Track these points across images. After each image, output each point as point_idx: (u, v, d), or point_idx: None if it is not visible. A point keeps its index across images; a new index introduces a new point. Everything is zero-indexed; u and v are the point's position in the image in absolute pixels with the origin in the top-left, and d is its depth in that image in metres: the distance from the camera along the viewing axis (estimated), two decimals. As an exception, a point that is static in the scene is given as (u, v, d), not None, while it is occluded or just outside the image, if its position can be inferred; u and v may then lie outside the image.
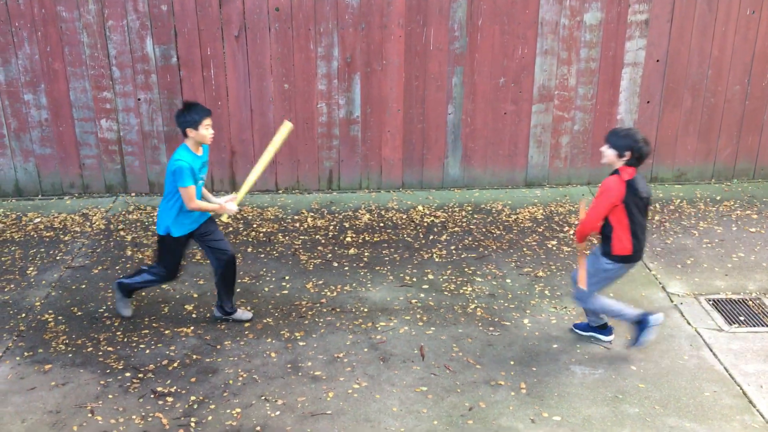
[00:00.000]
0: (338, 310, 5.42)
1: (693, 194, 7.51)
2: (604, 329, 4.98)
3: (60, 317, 5.35)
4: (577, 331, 5.09)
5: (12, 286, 5.78)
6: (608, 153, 4.53)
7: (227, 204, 4.96)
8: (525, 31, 7.14)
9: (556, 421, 4.27)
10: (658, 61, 7.33)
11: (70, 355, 4.90)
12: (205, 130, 4.74)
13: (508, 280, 5.84)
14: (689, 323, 5.23)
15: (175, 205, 4.86)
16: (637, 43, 7.25)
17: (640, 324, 4.68)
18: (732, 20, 7.22)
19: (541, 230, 6.72)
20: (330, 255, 6.23)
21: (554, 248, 6.36)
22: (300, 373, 4.71)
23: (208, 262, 6.12)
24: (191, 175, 4.75)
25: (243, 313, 5.30)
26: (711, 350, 4.93)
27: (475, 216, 7.03)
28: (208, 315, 5.36)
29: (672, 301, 5.52)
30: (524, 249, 6.36)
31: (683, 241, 6.49)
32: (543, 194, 7.52)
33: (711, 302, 5.50)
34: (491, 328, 5.18)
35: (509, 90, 7.34)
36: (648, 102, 7.48)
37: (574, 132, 7.55)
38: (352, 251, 6.31)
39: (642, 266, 6.04)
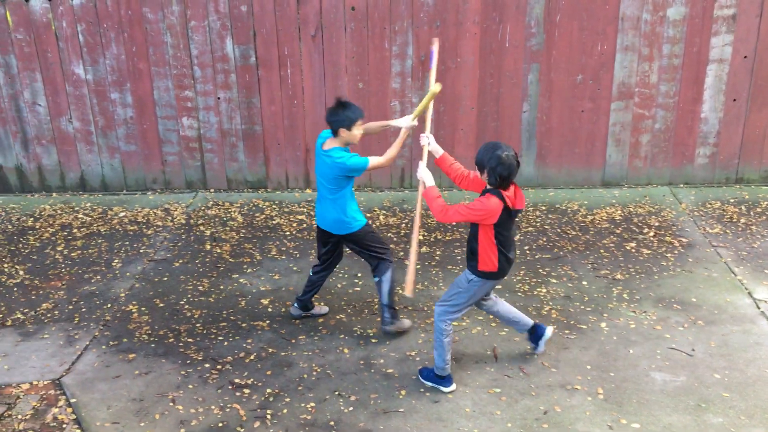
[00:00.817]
0: (410, 308, 5.42)
1: (782, 196, 7.17)
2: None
3: (143, 308, 5.55)
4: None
5: (98, 277, 6.04)
6: None
7: (402, 122, 4.82)
8: (605, 26, 6.96)
9: (635, 428, 4.16)
10: (745, 57, 7.02)
11: (153, 346, 5.07)
12: (358, 131, 4.65)
13: (584, 283, 5.72)
14: (778, 331, 5.00)
15: (348, 196, 4.79)
16: (723, 38, 6.97)
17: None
18: (828, 13, 6.85)
19: (619, 231, 6.54)
20: (402, 253, 6.24)
21: (633, 250, 6.19)
22: (372, 370, 4.74)
23: (284, 257, 6.23)
24: (354, 156, 4.67)
25: (321, 308, 5.41)
26: (801, 360, 4.69)
27: (550, 216, 6.91)
28: (284, 310, 5.46)
29: (759, 308, 5.28)
30: (601, 250, 6.21)
31: (771, 246, 6.20)
32: (621, 194, 7.32)
33: (801, 310, 5.24)
34: (567, 331, 5.08)
35: (587, 87, 7.18)
36: (734, 100, 7.18)
37: (654, 130, 7.32)
38: (423, 249, 6.31)
39: (727, 271, 5.81)
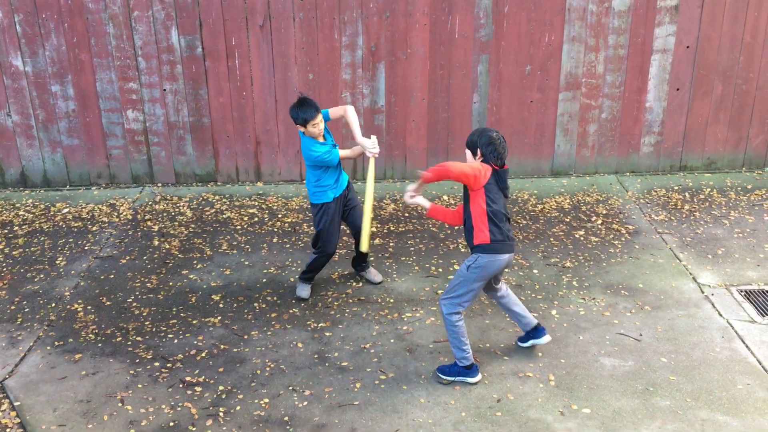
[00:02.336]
0: (364, 300, 5.41)
1: (723, 183, 7.38)
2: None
3: (89, 307, 5.40)
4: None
5: (42, 276, 5.85)
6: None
7: (364, 142, 4.99)
8: (552, 17, 7.04)
9: (585, 413, 4.23)
10: (688, 47, 7.19)
11: (100, 345, 4.94)
12: (313, 128, 4.92)
13: (534, 271, 5.79)
14: (721, 315, 5.15)
15: (318, 178, 5.10)
16: (666, 29, 7.12)
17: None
18: (765, 5, 7.05)
19: (568, 220, 6.64)
20: (355, 245, 6.20)
21: (582, 238, 6.29)
22: (327, 364, 4.71)
23: (235, 252, 6.14)
24: (330, 152, 4.99)
25: (375, 275, 5.64)
26: (743, 342, 4.84)
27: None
28: (235, 305, 5.38)
29: (703, 292, 5.44)
30: (551, 239, 6.29)
31: (714, 231, 6.38)
32: (570, 183, 7.43)
33: (743, 293, 5.41)
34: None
35: (535, 78, 7.25)
36: (677, 89, 7.35)
37: (601, 120, 7.44)
38: (377, 241, 6.29)
39: (672, 257, 5.96)
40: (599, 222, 6.59)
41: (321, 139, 5.04)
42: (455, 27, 7.05)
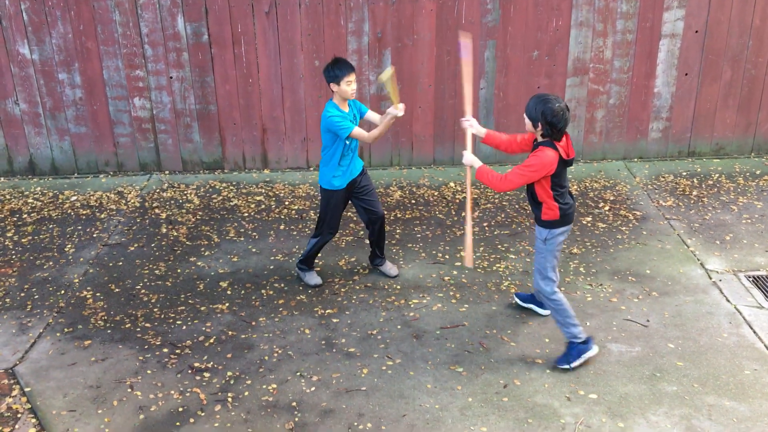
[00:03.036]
0: (371, 286, 5.42)
1: (732, 168, 7.34)
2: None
3: (98, 294, 5.44)
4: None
5: (51, 263, 5.89)
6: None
7: (391, 111, 4.89)
8: (559, 2, 6.99)
9: (592, 399, 4.24)
10: (696, 32, 7.13)
11: (109, 331, 4.98)
12: (347, 86, 4.83)
13: (542, 257, 5.78)
14: (728, 300, 5.14)
15: (331, 158, 5.05)
16: (675, 13, 7.06)
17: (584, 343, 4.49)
18: (775, -12, 6.99)
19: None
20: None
21: (589, 224, 6.28)
22: (334, 350, 4.73)
23: (243, 239, 6.16)
24: (345, 119, 4.92)
25: (391, 268, 5.57)
26: (751, 328, 4.83)
27: (508, 192, 6.96)
28: (243, 292, 5.41)
29: (711, 278, 5.42)
30: (558, 225, 6.28)
31: (722, 217, 6.35)
32: (577, 170, 7.41)
33: (751, 279, 5.39)
34: (525, 306, 5.14)
35: (543, 63, 7.22)
36: (686, 74, 7.30)
37: (609, 106, 7.41)
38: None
39: (680, 243, 5.94)
40: (607, 208, 6.57)
41: (344, 106, 4.98)
42: (462, 12, 7.01)
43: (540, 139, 4.33)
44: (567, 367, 4.45)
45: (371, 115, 5.21)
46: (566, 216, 4.42)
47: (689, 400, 4.21)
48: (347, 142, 5.01)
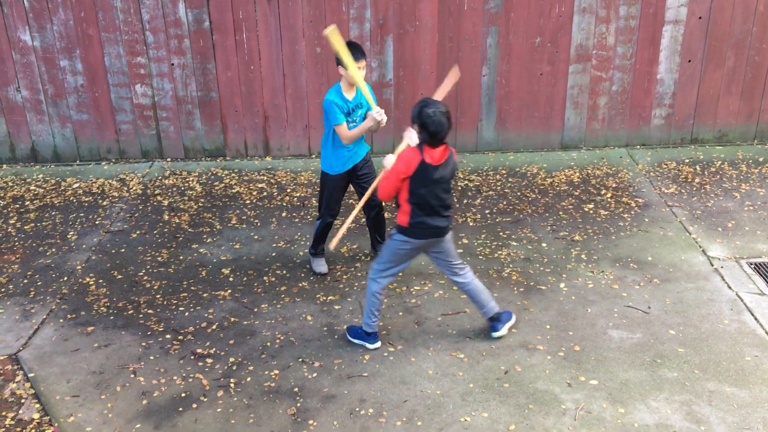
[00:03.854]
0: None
1: (735, 156, 7.32)
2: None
3: (101, 280, 5.46)
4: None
5: (54, 250, 5.90)
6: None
7: (374, 115, 4.81)
8: (562, -12, 6.95)
9: (593, 385, 4.26)
10: (700, 18, 7.09)
11: (112, 318, 5.00)
12: (354, 71, 4.70)
13: (543, 244, 5.79)
14: (730, 287, 5.14)
15: (327, 141, 5.05)
16: (679, -1, 7.02)
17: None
18: (780, -26, 6.94)
19: (577, 194, 6.62)
20: (363, 219, 6.21)
21: (591, 212, 6.28)
22: (336, 336, 4.75)
23: (245, 226, 6.17)
24: (339, 111, 4.85)
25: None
26: (752, 314, 4.84)
27: (510, 179, 6.95)
28: (245, 279, 5.42)
29: (712, 265, 5.42)
30: (560, 213, 6.28)
31: (724, 204, 6.35)
32: (579, 157, 7.39)
33: (753, 266, 5.39)
34: (527, 292, 5.15)
35: (545, 50, 7.19)
36: (689, 61, 7.26)
37: (612, 93, 7.38)
38: (386, 215, 6.29)
39: (682, 230, 5.94)
40: (609, 195, 6.56)
41: (350, 92, 4.89)
42: (464, -1, 6.98)
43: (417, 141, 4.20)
44: (348, 338, 4.66)
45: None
46: (415, 230, 4.26)
47: (690, 386, 4.23)
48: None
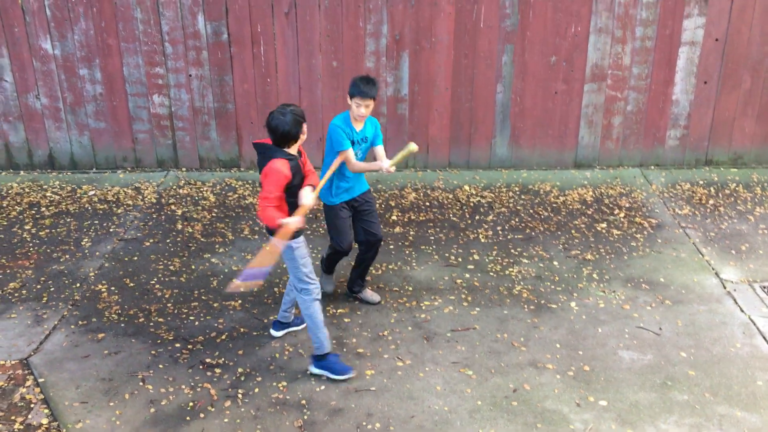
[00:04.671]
0: (383, 287, 5.44)
1: (749, 178, 7.28)
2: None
3: (113, 288, 5.49)
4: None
5: (67, 256, 5.96)
6: None
7: (383, 165, 4.73)
8: (579, 8, 6.97)
9: (602, 405, 4.23)
10: (717, 40, 7.09)
11: (123, 325, 5.03)
12: (355, 106, 4.67)
13: (555, 263, 5.77)
14: (743, 310, 5.10)
15: (334, 173, 4.83)
16: (695, 21, 7.02)
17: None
18: (798, -2, 6.93)
19: (590, 213, 6.61)
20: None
21: (603, 231, 6.26)
22: (345, 349, 4.75)
23: (257, 237, 6.20)
24: (346, 137, 4.72)
25: (371, 295, 5.28)
26: (765, 338, 4.80)
27: (523, 197, 6.95)
28: (256, 290, 5.44)
29: (725, 288, 5.38)
30: (572, 231, 6.27)
31: (738, 227, 6.31)
32: (593, 176, 7.38)
33: (766, 289, 5.35)
34: (537, 311, 5.13)
35: (561, 69, 7.20)
36: (705, 82, 7.25)
37: (627, 112, 7.38)
38: (397, 230, 6.31)
39: (695, 251, 5.90)
40: (622, 215, 6.54)
41: (358, 124, 4.82)
42: (480, 16, 7.02)
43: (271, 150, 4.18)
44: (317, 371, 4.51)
45: (378, 151, 4.93)
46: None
47: (700, 410, 4.19)
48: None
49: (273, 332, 4.89)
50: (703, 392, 4.33)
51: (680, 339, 4.81)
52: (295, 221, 4.11)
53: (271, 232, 4.27)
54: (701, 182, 7.22)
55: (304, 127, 4.19)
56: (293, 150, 4.21)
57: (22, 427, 4.08)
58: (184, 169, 7.62)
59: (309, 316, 4.40)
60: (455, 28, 7.06)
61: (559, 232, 6.25)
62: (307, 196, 4.18)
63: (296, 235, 4.29)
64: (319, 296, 4.43)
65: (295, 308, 4.93)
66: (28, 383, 4.44)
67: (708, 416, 4.14)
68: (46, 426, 4.09)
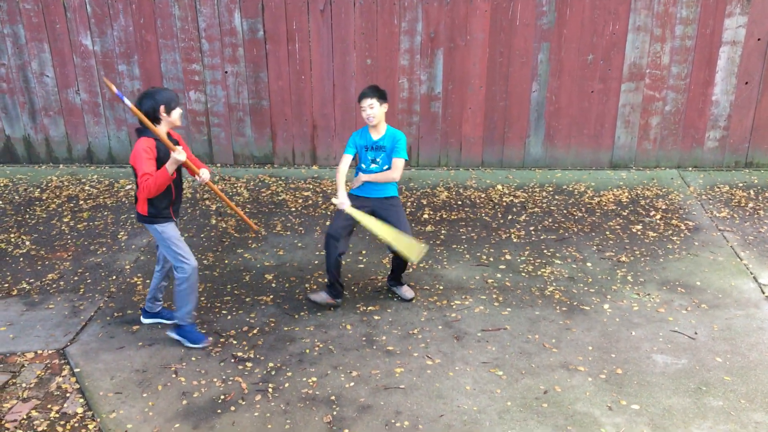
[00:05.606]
0: (413, 286, 5.43)
1: (791, 181, 7.12)
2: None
3: (148, 281, 5.57)
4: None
5: (104, 249, 6.06)
6: None
7: (339, 202, 4.87)
8: (617, 6, 6.88)
9: (634, 409, 4.17)
10: (759, 39, 6.93)
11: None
12: (362, 111, 4.88)
13: (588, 264, 5.70)
14: (782, 317, 4.98)
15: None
16: (737, 20, 6.87)
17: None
18: None
19: (625, 214, 6.51)
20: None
21: (639, 233, 6.16)
22: (374, 347, 4.75)
23: (289, 233, 6.25)
24: (352, 143, 4.99)
25: (406, 291, 5.28)
26: (805, 346, 4.68)
27: (557, 197, 6.88)
28: (287, 285, 5.48)
29: (764, 293, 5.26)
30: (607, 232, 6.19)
31: (779, 231, 6.17)
32: (629, 177, 7.27)
33: (807, 296, 5.22)
34: (569, 312, 5.08)
35: (597, 67, 7.11)
36: (746, 83, 7.09)
37: (665, 113, 7.25)
38: (429, 228, 6.30)
39: (733, 255, 5.78)
40: (658, 217, 6.44)
41: (376, 133, 4.92)
42: (517, 14, 6.96)
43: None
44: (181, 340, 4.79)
45: (394, 162, 4.95)
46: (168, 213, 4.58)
47: (735, 416, 4.10)
48: (364, 158, 5.00)
49: (142, 320, 5.06)
50: (738, 398, 4.23)
51: (716, 344, 4.71)
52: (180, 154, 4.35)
53: (144, 219, 4.61)
54: (741, 185, 7.07)
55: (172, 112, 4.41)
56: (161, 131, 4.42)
57: (57, 415, 4.16)
58: (218, 164, 7.70)
59: (179, 290, 4.66)
60: (491, 26, 7.01)
61: (593, 233, 6.17)
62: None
63: (164, 218, 4.58)
64: (193, 273, 4.63)
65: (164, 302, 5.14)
66: (64, 373, 4.53)
67: (743, 423, 4.05)
68: (81, 415, 4.17)
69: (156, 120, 4.40)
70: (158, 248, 4.84)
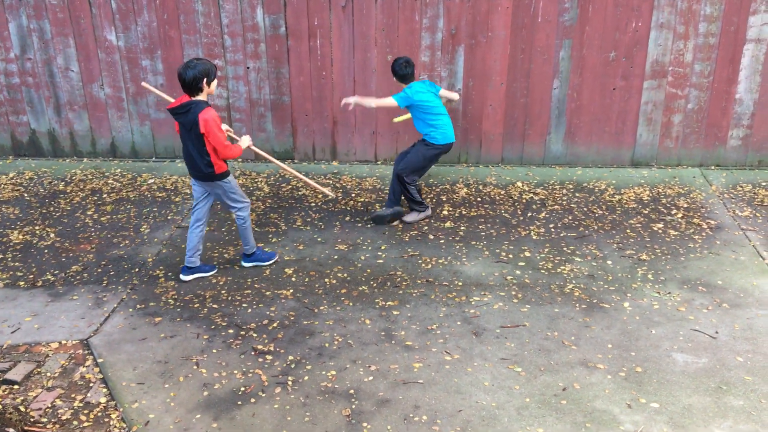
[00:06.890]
0: (432, 281, 5.45)
1: (816, 181, 7.03)
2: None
3: (170, 273, 5.64)
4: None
5: (127, 242, 6.14)
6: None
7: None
8: (640, 3, 6.83)
9: (654, 408, 4.15)
10: (785, 36, 6.85)
11: (178, 310, 5.17)
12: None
13: (608, 262, 5.68)
14: (805, 317, 4.93)
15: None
16: (762, 17, 6.80)
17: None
18: None
19: (646, 212, 6.48)
20: (426, 227, 6.25)
21: (660, 231, 6.13)
22: (393, 342, 4.78)
23: (309, 228, 6.29)
24: (405, 98, 6.02)
25: (407, 215, 6.36)
26: (828, 347, 4.63)
27: (577, 194, 6.86)
28: (307, 279, 5.52)
29: (786, 293, 5.22)
30: (627, 231, 6.16)
31: (802, 231, 6.10)
32: (650, 175, 7.23)
33: (830, 296, 5.16)
34: (589, 310, 5.07)
35: (620, 65, 7.07)
36: (771, 81, 7.02)
37: (687, 111, 7.20)
38: (448, 224, 6.31)
39: (755, 254, 5.74)
40: (679, 215, 6.39)
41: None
42: (538, 10, 6.94)
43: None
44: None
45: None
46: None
47: (756, 416, 4.07)
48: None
49: (182, 276, 5.48)
50: (759, 398, 4.21)
51: (737, 343, 4.68)
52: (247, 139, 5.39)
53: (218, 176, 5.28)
54: (764, 184, 7.00)
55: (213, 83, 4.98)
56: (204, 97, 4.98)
57: (81, 404, 4.23)
58: (239, 159, 7.75)
59: (245, 228, 5.46)
60: (512, 22, 6.99)
61: (614, 231, 6.15)
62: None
63: (229, 172, 5.33)
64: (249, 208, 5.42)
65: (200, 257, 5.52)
66: (87, 363, 4.61)
67: (764, 423, 4.02)
68: (104, 405, 4.24)
69: (198, 90, 4.87)
70: (197, 208, 5.38)
